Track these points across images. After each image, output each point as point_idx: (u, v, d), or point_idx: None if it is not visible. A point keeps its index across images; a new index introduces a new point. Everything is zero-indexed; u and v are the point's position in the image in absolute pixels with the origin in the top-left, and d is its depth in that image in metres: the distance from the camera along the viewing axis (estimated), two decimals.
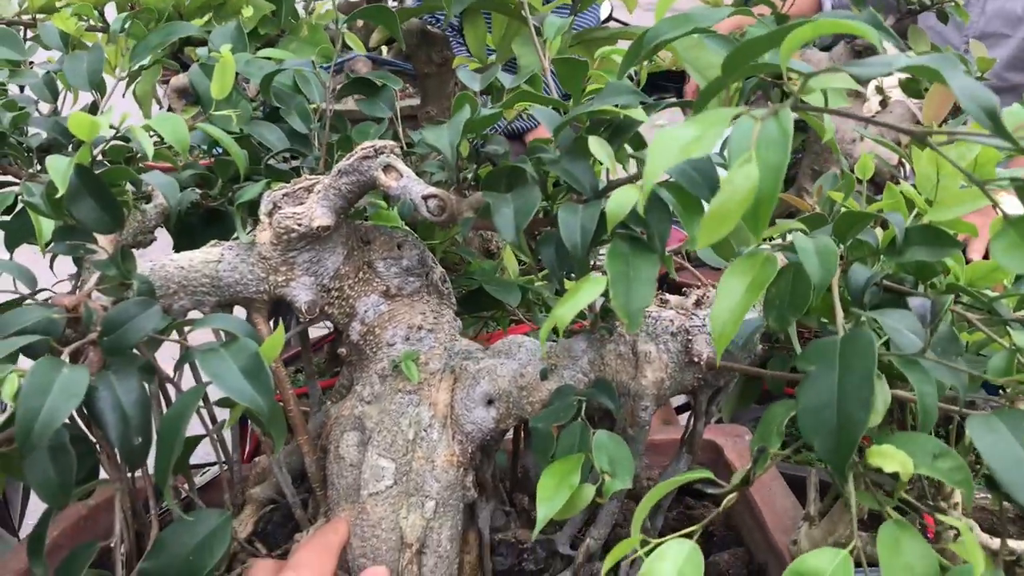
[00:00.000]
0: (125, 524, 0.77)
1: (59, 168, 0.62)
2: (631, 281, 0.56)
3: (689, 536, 0.50)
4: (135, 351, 0.65)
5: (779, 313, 0.57)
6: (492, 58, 1.45)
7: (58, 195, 0.62)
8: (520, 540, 0.83)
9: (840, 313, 0.56)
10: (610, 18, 3.24)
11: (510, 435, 0.90)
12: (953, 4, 1.54)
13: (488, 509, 0.82)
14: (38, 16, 1.34)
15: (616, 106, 0.63)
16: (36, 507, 0.90)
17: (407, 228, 0.86)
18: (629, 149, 0.66)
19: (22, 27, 1.34)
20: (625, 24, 3.13)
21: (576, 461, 0.61)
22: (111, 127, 0.72)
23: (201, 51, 1.04)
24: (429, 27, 1.26)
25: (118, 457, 0.62)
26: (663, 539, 0.49)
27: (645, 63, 0.75)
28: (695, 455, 0.81)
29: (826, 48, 1.65)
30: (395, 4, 1.98)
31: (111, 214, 0.68)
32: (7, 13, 1.34)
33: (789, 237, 0.60)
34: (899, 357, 0.50)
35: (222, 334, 0.71)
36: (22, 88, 1.01)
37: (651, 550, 0.49)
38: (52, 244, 0.71)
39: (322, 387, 0.99)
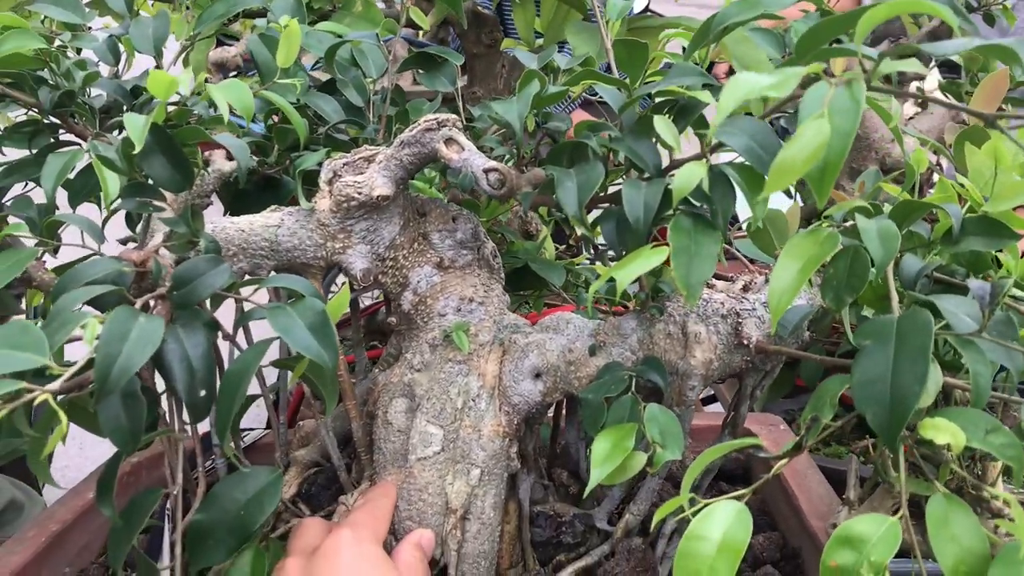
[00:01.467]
0: (174, 477, 0.79)
1: (137, 125, 0.64)
2: (692, 256, 0.57)
3: (739, 498, 0.51)
4: (200, 307, 0.67)
5: (836, 293, 0.58)
6: (539, 41, 1.46)
7: (134, 151, 0.64)
8: (558, 513, 0.85)
9: (895, 298, 0.57)
10: (647, 10, 3.24)
11: (550, 412, 0.92)
12: (1001, 6, 1.54)
13: (529, 481, 0.83)
14: None
15: (682, 87, 0.65)
16: (58, 464, 0.92)
17: (440, 197, 0.87)
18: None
19: None
20: (660, 15, 3.14)
21: (630, 429, 0.62)
22: (179, 91, 0.73)
23: (260, 22, 1.06)
24: (480, 8, 1.28)
25: (184, 410, 0.64)
26: (712, 500, 0.51)
27: (711, 47, 0.76)
28: (737, 437, 0.82)
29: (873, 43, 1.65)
30: None
31: (182, 172, 0.69)
32: None
33: (846, 223, 0.62)
34: (956, 336, 0.51)
35: (283, 295, 0.73)
36: (79, 51, 1.03)
37: (698, 511, 0.51)
38: (120, 201, 0.72)
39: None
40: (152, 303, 0.65)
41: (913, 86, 1.90)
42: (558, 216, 1.13)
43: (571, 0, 1.28)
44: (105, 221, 0.80)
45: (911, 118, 1.72)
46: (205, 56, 1.26)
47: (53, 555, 0.89)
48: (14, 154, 0.88)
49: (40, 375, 0.53)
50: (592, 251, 1.12)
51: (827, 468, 0.99)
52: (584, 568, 0.81)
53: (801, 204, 0.99)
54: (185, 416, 0.70)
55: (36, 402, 0.50)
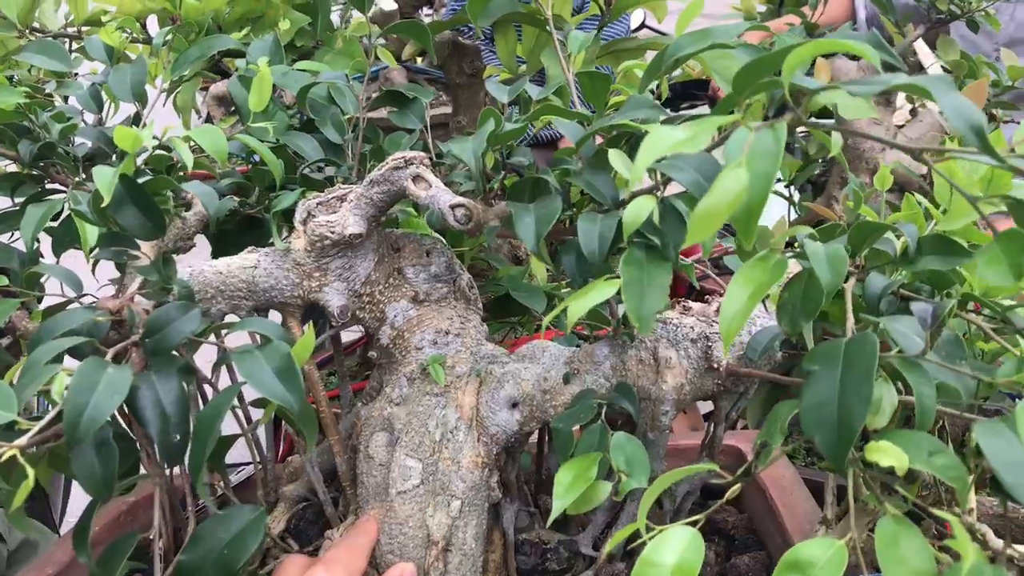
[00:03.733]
0: (163, 519, 0.80)
1: (105, 178, 0.66)
2: (644, 287, 0.58)
3: (693, 524, 0.52)
4: (175, 352, 0.68)
5: (791, 317, 0.59)
6: (523, 68, 1.47)
7: (104, 204, 0.65)
8: (544, 540, 0.85)
9: (851, 319, 0.58)
10: (643, 26, 3.26)
11: (534, 438, 0.92)
12: (983, 13, 1.55)
13: (512, 509, 0.84)
14: (83, 28, 1.39)
15: (637, 120, 0.66)
16: (76, 505, 0.94)
17: (437, 235, 0.89)
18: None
19: (67, 39, 1.39)
20: (658, 31, 3.15)
21: (593, 459, 0.63)
22: (154, 138, 0.75)
23: (240, 63, 1.08)
24: (461, 39, 1.30)
25: (157, 454, 0.65)
26: (666, 526, 0.51)
27: (666, 77, 0.77)
28: (715, 459, 0.82)
29: (855, 57, 1.65)
30: (430, 13, 2.02)
31: (154, 221, 0.71)
32: (53, 25, 1.40)
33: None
34: (900, 359, 0.52)
35: (257, 337, 0.74)
36: (65, 99, 1.05)
37: (654, 536, 0.51)
38: (97, 250, 0.74)
39: (354, 390, 1.02)
40: (127, 351, 0.67)
41: (903, 94, 1.91)
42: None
43: (547, 30, 1.29)
44: (94, 268, 0.82)
45: (901, 126, 1.72)
46: (191, 96, 1.29)
47: None
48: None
49: (8, 430, 0.54)
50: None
51: (817, 483, 0.99)
52: None
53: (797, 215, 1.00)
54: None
55: (3, 458, 0.51)
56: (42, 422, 0.55)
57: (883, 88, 0.44)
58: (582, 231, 0.62)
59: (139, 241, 0.74)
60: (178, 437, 0.64)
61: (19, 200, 0.89)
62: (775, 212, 0.97)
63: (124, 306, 0.69)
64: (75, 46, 1.39)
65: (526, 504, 0.88)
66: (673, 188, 0.60)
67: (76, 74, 1.09)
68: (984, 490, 0.84)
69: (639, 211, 0.56)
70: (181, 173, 0.94)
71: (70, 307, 0.73)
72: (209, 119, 1.66)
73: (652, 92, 0.73)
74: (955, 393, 0.57)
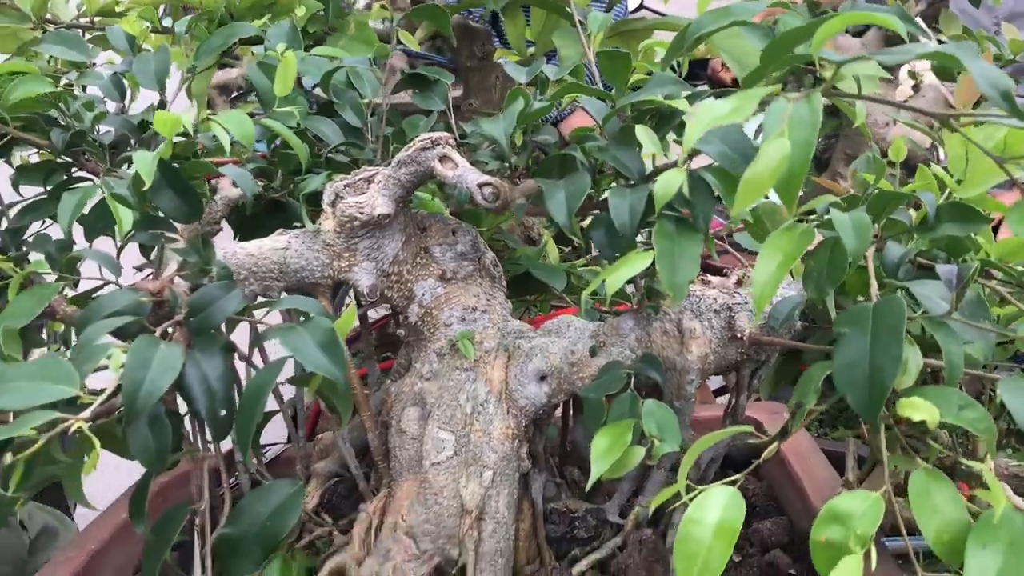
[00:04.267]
0: (204, 492, 0.83)
1: (145, 162, 0.68)
2: (676, 258, 0.60)
3: (732, 484, 0.54)
4: (216, 331, 0.70)
5: (817, 284, 0.61)
6: (531, 50, 1.49)
7: (145, 187, 0.67)
8: (571, 509, 0.88)
9: (875, 285, 0.60)
10: (641, 6, 3.27)
11: (558, 413, 0.95)
12: None
13: (541, 480, 0.87)
14: (96, 19, 1.41)
15: (661, 96, 0.68)
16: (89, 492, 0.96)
17: (451, 216, 0.91)
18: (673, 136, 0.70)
19: (80, 30, 1.41)
20: (655, 12, 3.16)
21: (628, 425, 0.65)
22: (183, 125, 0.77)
23: (257, 49, 1.09)
24: (471, 23, 1.31)
25: (205, 429, 0.67)
26: (707, 486, 0.54)
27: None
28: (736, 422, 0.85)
29: (858, 34, 1.67)
30: None
31: (190, 205, 0.73)
32: (66, 17, 1.41)
33: (826, 216, 0.64)
34: (928, 319, 0.54)
35: (293, 314, 0.77)
36: (84, 88, 1.07)
37: (694, 496, 0.54)
38: (134, 234, 0.76)
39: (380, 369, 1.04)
40: (170, 330, 0.69)
41: (905, 69, 1.93)
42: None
43: (557, 9, 1.31)
44: (119, 252, 0.83)
45: (905, 101, 1.74)
46: (207, 84, 1.30)
47: (92, 573, 0.92)
48: (27, 192, 0.92)
49: (71, 404, 0.56)
50: (588, 253, 1.15)
51: (833, 452, 1.02)
52: (598, 561, 0.84)
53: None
54: (208, 435, 0.73)
55: (72, 430, 0.54)
56: (102, 397, 0.57)
57: (911, 57, 0.46)
58: (613, 205, 0.64)
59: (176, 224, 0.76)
60: (224, 412, 0.66)
61: (39, 189, 0.91)
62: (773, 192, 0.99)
63: (164, 287, 0.71)
64: (87, 37, 1.40)
65: (552, 475, 0.90)
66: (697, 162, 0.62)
67: (93, 64, 1.11)
68: (1000, 452, 0.87)
69: (670, 184, 0.58)
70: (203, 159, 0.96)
71: (108, 290, 0.75)
72: (210, 106, 1.68)
73: (673, 69, 0.75)
74: (971, 358, 0.60)
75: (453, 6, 1.24)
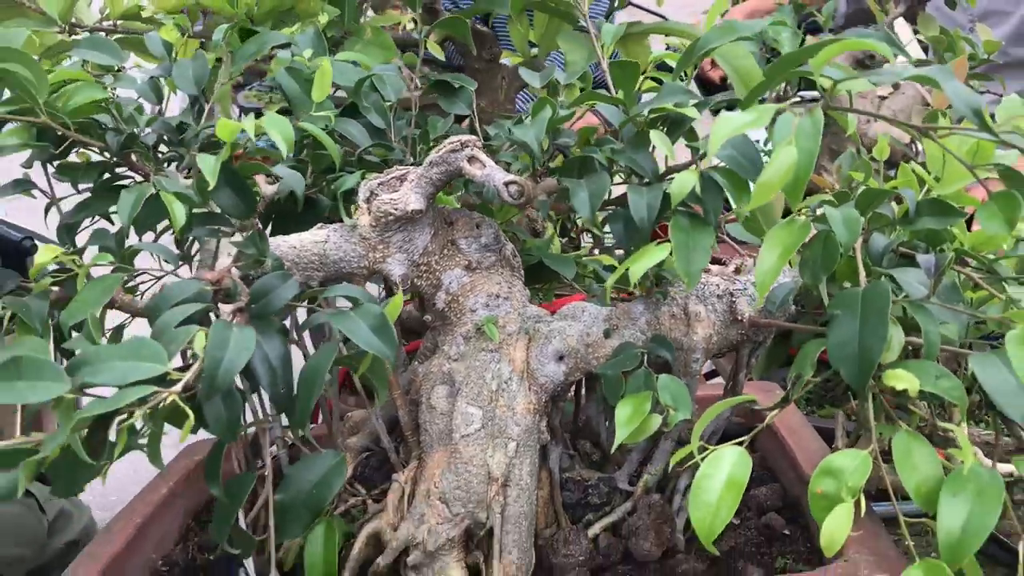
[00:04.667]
0: (247, 463, 0.91)
1: (208, 164, 0.76)
2: (691, 249, 0.68)
3: (740, 444, 0.63)
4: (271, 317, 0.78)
5: (812, 271, 0.69)
6: (534, 51, 1.57)
7: (210, 187, 0.75)
8: (585, 478, 0.96)
9: (863, 273, 0.69)
10: (627, 2, 3.33)
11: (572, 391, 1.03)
12: None
13: (558, 452, 0.95)
14: (119, 22, 1.47)
15: (672, 104, 0.76)
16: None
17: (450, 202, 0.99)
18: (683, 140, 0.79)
19: (104, 33, 1.47)
20: (642, 8, 3.24)
21: (646, 396, 0.74)
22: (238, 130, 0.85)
23: (283, 55, 1.16)
24: (479, 27, 1.39)
25: (267, 404, 0.75)
26: (718, 446, 0.62)
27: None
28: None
29: (839, 30, 1.75)
30: (448, 3, 2.11)
31: (246, 202, 0.81)
32: (89, 20, 1.47)
33: (819, 211, 0.73)
34: (909, 302, 0.63)
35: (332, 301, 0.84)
36: (114, 91, 1.13)
37: (706, 456, 0.62)
38: (193, 228, 0.84)
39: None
40: (232, 316, 0.77)
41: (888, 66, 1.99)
42: (563, 215, 1.25)
43: (560, 13, 1.39)
44: (179, 246, 0.91)
45: (884, 98, 1.84)
46: (229, 89, 1.37)
47: (139, 544, 1.00)
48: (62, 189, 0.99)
49: (160, 381, 0.64)
50: (595, 245, 1.23)
51: (821, 428, 1.11)
52: (611, 524, 0.93)
53: None
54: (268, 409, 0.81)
55: (167, 402, 0.61)
56: (188, 373, 0.64)
57: (898, 78, 0.54)
58: (632, 202, 0.72)
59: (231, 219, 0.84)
60: (283, 389, 0.74)
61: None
62: None
63: (224, 276, 0.78)
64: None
65: (567, 448, 0.99)
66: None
67: (123, 68, 1.17)
68: (971, 421, 0.96)
69: (684, 183, 0.67)
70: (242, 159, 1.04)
71: (169, 280, 0.83)
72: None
73: (681, 79, 0.83)
74: (947, 337, 0.68)
75: (466, 11, 1.32)
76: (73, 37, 1.37)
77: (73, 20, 1.44)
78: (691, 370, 0.86)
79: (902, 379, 0.58)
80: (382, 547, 0.89)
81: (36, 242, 1.40)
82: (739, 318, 0.85)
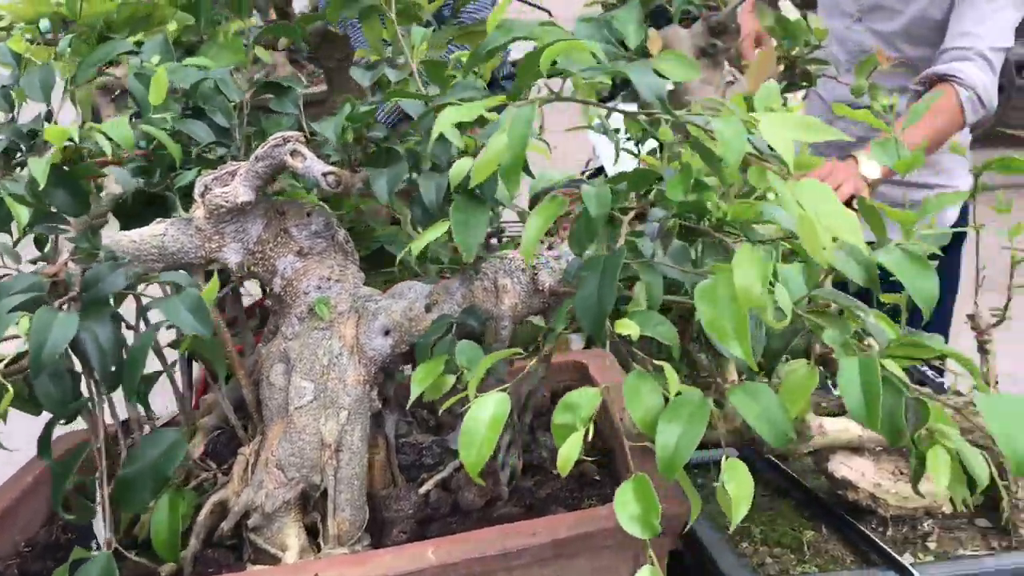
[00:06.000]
0: (99, 447, 0.98)
1: (39, 166, 0.83)
2: (468, 226, 0.78)
3: (504, 391, 0.72)
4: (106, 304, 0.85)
5: (579, 241, 0.79)
6: (389, 49, 1.65)
7: (40, 188, 0.82)
8: (419, 441, 1.06)
9: (621, 241, 0.79)
10: None
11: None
12: None
13: (393, 418, 1.04)
14: None
15: (462, 100, 0.85)
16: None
17: (320, 202, 1.07)
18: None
19: None
20: (531, 3, 3.34)
21: (441, 359, 0.83)
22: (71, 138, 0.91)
23: (134, 61, 1.23)
24: (330, 28, 1.47)
25: (98, 382, 0.82)
26: (486, 393, 0.72)
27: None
28: (547, 365, 1.03)
29: (688, 24, 1.85)
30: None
31: (79, 201, 0.88)
32: None
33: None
34: (639, 262, 0.73)
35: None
36: None
37: (478, 400, 0.72)
38: (33, 227, 0.90)
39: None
40: (67, 304, 0.84)
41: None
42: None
43: (409, 16, 1.48)
44: (16, 243, 0.97)
45: (731, 83, 1.96)
46: (90, 92, 1.42)
47: (5, 527, 1.06)
48: None
49: None
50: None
51: None
52: (441, 480, 1.02)
53: None
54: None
55: None
56: (11, 355, 0.72)
57: (606, 73, 0.64)
58: (423, 186, 0.82)
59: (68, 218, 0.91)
60: (113, 368, 0.82)
61: None
62: (628, 165, 1.19)
63: (61, 269, 0.85)
64: None
65: (404, 415, 1.08)
66: None
67: None
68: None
69: (461, 169, 0.76)
70: (89, 160, 1.10)
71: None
72: (95, 108, 1.80)
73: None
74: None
75: (313, 15, 1.40)
76: None
77: None
78: (500, 336, 0.96)
79: (627, 327, 0.69)
80: (227, 514, 0.97)
81: None
82: (540, 288, 0.95)
